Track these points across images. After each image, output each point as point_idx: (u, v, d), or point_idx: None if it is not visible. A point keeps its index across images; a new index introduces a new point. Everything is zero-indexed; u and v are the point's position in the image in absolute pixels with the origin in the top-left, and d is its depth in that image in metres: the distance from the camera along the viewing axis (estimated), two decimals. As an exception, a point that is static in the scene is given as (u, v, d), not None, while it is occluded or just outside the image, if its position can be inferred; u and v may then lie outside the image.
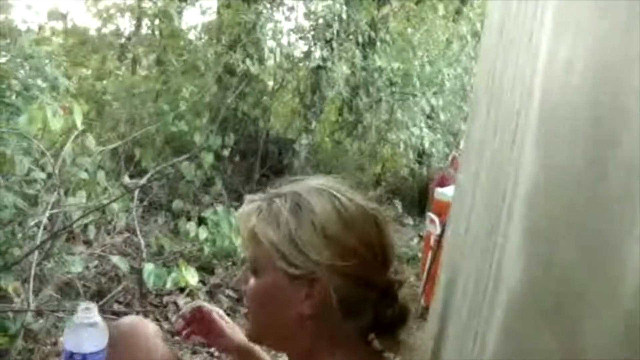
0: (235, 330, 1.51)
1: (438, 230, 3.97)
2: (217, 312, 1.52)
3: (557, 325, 0.53)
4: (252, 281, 1.14)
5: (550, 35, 0.70)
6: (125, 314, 3.02)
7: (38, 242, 2.99)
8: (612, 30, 0.52)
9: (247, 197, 1.19)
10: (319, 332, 1.09)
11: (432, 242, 4.17)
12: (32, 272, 2.88)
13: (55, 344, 2.88)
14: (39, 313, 2.82)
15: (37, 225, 3.10)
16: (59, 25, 6.10)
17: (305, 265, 1.05)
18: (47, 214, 3.10)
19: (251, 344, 1.47)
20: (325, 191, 1.11)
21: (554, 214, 0.58)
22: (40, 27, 5.20)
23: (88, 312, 1.21)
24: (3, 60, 3.20)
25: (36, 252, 2.92)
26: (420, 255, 5.16)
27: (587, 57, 0.56)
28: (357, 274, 1.06)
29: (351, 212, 1.09)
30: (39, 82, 3.06)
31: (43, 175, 3.25)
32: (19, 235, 2.99)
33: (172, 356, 1.46)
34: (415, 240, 6.07)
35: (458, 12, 7.49)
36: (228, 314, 4.03)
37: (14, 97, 2.94)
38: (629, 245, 0.43)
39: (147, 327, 1.51)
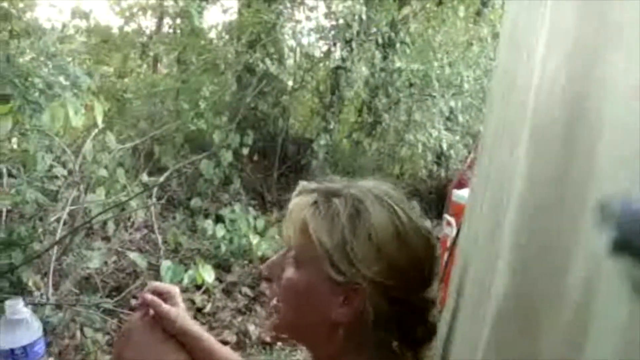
0: (185, 314, 1.50)
1: (454, 233, 3.96)
2: (172, 292, 1.52)
3: (525, 331, 0.56)
4: (290, 271, 1.11)
5: (544, 46, 0.71)
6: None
7: (58, 237, 3.04)
8: (591, 42, 0.54)
9: (303, 184, 1.15)
10: (348, 340, 1.08)
11: (448, 244, 4.16)
12: (52, 267, 2.93)
13: (73, 337, 2.93)
14: (58, 307, 2.87)
15: (58, 220, 3.15)
16: (82, 23, 6.16)
17: (352, 275, 1.03)
18: (67, 209, 3.15)
19: (199, 329, 1.45)
20: (385, 202, 1.08)
21: (534, 222, 0.60)
22: (64, 26, 5.27)
23: (14, 308, 1.24)
24: (27, 58, 3.26)
25: (56, 247, 2.98)
26: (436, 257, 5.14)
27: (569, 69, 0.58)
28: (399, 294, 1.05)
29: (408, 231, 1.06)
30: (62, 80, 3.10)
31: (64, 172, 3.31)
32: (40, 230, 3.05)
33: (183, 353, 1.47)
34: (433, 242, 6.05)
35: (479, 13, 7.45)
36: (243, 312, 4.04)
37: (37, 94, 2.98)
38: (575, 250, 0.46)
39: (160, 322, 1.52)
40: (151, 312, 1.45)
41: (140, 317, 1.49)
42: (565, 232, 0.51)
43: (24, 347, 1.22)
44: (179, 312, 1.47)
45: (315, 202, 1.09)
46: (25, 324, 1.23)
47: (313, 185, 1.14)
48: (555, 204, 0.56)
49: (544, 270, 0.55)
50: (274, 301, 1.19)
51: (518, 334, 0.60)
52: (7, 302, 1.24)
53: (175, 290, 1.52)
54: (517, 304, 0.63)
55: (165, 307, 1.45)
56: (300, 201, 1.11)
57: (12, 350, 1.21)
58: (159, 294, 1.48)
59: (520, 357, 0.58)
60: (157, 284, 1.53)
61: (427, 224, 1.13)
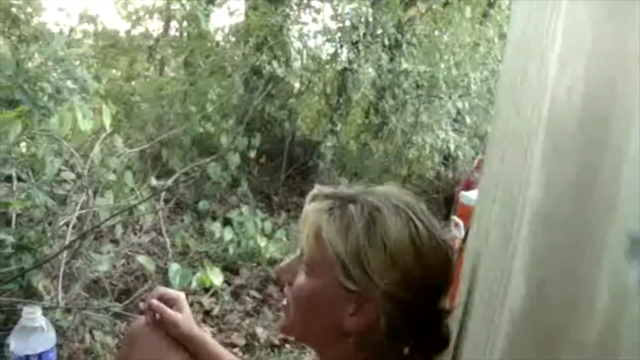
0: (190, 319, 1.50)
1: (462, 234, 3.95)
2: (178, 298, 1.49)
3: (545, 344, 0.55)
4: (302, 277, 1.10)
5: (559, 52, 0.71)
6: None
7: (67, 241, 3.06)
8: (611, 49, 0.53)
9: (318, 188, 1.13)
10: (358, 349, 1.07)
11: (456, 246, 4.15)
12: (62, 270, 2.94)
13: (82, 341, 2.94)
14: (67, 310, 2.88)
15: (67, 224, 3.16)
16: (89, 27, 6.19)
17: (365, 284, 1.02)
18: (76, 213, 3.16)
19: (203, 335, 1.46)
20: (403, 211, 1.05)
21: (552, 239, 0.59)
22: (72, 30, 5.30)
23: (31, 315, 1.25)
24: (36, 63, 3.27)
25: (65, 251, 2.98)
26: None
27: (588, 77, 0.58)
28: (412, 305, 1.03)
29: (425, 243, 1.04)
30: (70, 84, 3.11)
31: (72, 176, 3.32)
32: (49, 234, 3.06)
33: (185, 353, 1.48)
34: (440, 243, 6.04)
35: (485, 14, 7.44)
36: (251, 315, 4.04)
37: (45, 99, 3.00)
38: (598, 277, 0.46)
39: (165, 327, 1.52)
40: (157, 317, 1.46)
41: (146, 322, 1.50)
42: (589, 245, 0.50)
43: (39, 355, 1.23)
44: (184, 318, 1.48)
45: (331, 209, 1.07)
46: (41, 332, 1.25)
47: (328, 190, 1.13)
48: (576, 215, 0.55)
49: (565, 285, 0.54)
50: (284, 301, 1.19)
51: (535, 348, 0.59)
52: (25, 309, 1.25)
53: (181, 296, 1.52)
54: (534, 318, 0.62)
55: (171, 312, 1.46)
56: (315, 207, 1.10)
57: (27, 357, 1.22)
58: (165, 300, 1.49)
59: None
60: (163, 289, 1.53)
61: (446, 235, 1.10)
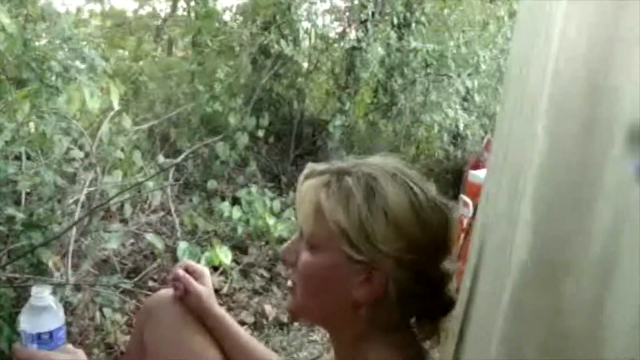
0: (212, 296, 1.51)
1: (471, 213, 3.94)
2: (204, 272, 1.52)
3: (549, 286, 0.56)
4: (306, 255, 1.11)
5: (563, 16, 0.70)
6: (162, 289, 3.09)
7: (76, 218, 3.07)
8: (608, 19, 0.53)
9: (311, 165, 1.14)
10: (371, 320, 1.08)
11: (464, 224, 4.15)
12: (71, 248, 2.96)
13: (92, 318, 2.97)
14: (77, 287, 2.91)
15: (75, 202, 3.18)
16: (96, 7, 6.18)
17: (371, 253, 1.03)
18: (85, 191, 3.18)
19: (223, 313, 1.48)
20: (399, 178, 1.07)
21: (557, 192, 0.60)
22: (79, 10, 5.28)
23: (41, 294, 1.27)
24: (43, 42, 3.27)
25: (74, 229, 3.00)
26: (453, 237, 5.14)
27: (588, 44, 0.58)
28: (419, 268, 1.05)
29: (424, 206, 1.06)
30: (78, 63, 3.11)
31: (81, 154, 3.34)
32: (58, 212, 3.08)
33: (203, 328, 1.49)
34: (449, 222, 6.04)
35: (495, -9, 7.36)
36: (260, 293, 4.07)
37: (53, 78, 3.00)
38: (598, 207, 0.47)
39: (187, 299, 1.53)
40: (179, 290, 1.47)
41: (169, 293, 1.52)
42: (590, 186, 0.51)
43: (50, 332, 1.26)
44: (208, 293, 1.49)
45: (328, 183, 1.08)
46: (50, 310, 1.27)
47: (322, 166, 1.13)
48: (577, 164, 0.56)
49: (568, 225, 0.56)
50: (289, 283, 1.19)
51: (540, 292, 0.60)
52: (34, 288, 1.27)
53: (206, 271, 1.54)
54: (538, 265, 0.63)
55: (196, 285, 1.47)
56: (311, 183, 1.11)
57: (39, 335, 1.25)
58: (191, 271, 1.50)
59: (542, 312, 0.59)
60: (190, 262, 1.55)
61: (445, 199, 1.12)
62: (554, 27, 0.75)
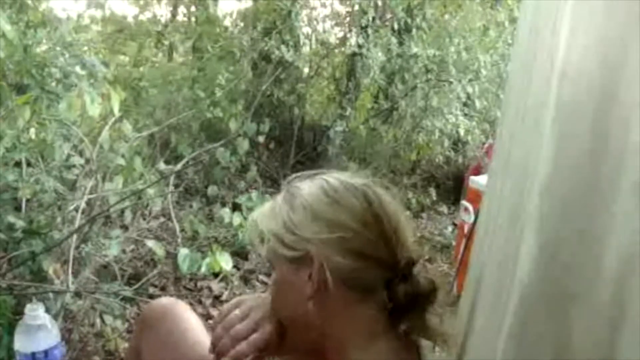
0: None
1: (471, 219, 3.94)
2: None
3: (555, 313, 0.55)
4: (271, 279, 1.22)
5: (569, 25, 0.69)
6: (160, 297, 3.08)
7: (77, 225, 3.06)
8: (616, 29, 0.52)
9: (258, 198, 1.30)
10: (321, 311, 1.09)
11: (465, 230, 4.14)
12: (71, 255, 2.95)
13: (92, 325, 2.96)
14: (77, 294, 2.89)
15: (76, 209, 3.17)
16: (97, 13, 6.17)
17: (299, 244, 1.09)
18: (85, 198, 3.17)
19: None
20: (316, 176, 1.17)
21: (563, 206, 0.59)
22: (79, 15, 5.27)
23: (35, 313, 1.26)
24: (43, 48, 3.27)
25: (75, 236, 2.99)
26: (454, 243, 5.13)
27: (598, 51, 0.57)
28: (352, 247, 1.08)
29: (338, 189, 1.13)
30: (78, 69, 3.11)
31: (81, 161, 3.33)
32: (59, 219, 3.07)
33: (207, 335, 1.48)
34: (450, 228, 6.04)
35: (496, -3, 7.37)
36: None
37: (54, 84, 3.00)
38: (608, 238, 0.45)
39: (181, 307, 1.53)
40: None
41: (166, 301, 1.53)
42: (599, 215, 0.50)
43: (45, 352, 1.25)
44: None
45: (262, 210, 1.19)
46: (45, 329, 1.26)
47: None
48: (587, 186, 0.54)
49: (577, 253, 0.54)
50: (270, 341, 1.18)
51: (545, 316, 0.59)
52: (28, 307, 1.27)
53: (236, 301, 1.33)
54: (544, 287, 0.62)
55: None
56: (251, 216, 1.22)
57: (33, 354, 1.24)
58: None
59: (547, 339, 0.58)
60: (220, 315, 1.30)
61: (366, 181, 1.18)
62: (560, 33, 0.74)
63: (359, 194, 1.13)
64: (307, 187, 1.15)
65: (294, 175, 1.22)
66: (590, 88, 0.58)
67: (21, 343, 1.25)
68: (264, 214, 1.16)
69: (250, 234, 1.26)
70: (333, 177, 1.16)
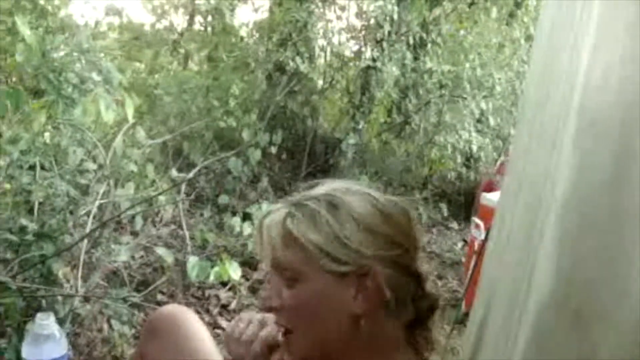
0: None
1: (482, 236, 3.91)
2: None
3: (576, 331, 0.54)
4: (289, 293, 1.08)
5: (592, 43, 0.69)
6: (168, 304, 3.07)
7: (88, 230, 3.08)
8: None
9: (268, 207, 1.21)
10: (371, 331, 1.06)
11: (476, 247, 4.12)
12: (81, 259, 2.96)
13: (100, 330, 2.96)
14: (86, 299, 2.90)
15: (87, 214, 3.19)
16: (115, 20, 6.24)
17: (355, 260, 1.03)
18: (97, 203, 3.18)
19: None
20: (354, 189, 1.13)
21: (584, 223, 0.58)
22: (97, 22, 5.33)
23: (45, 322, 1.26)
24: (61, 54, 3.30)
25: (85, 240, 3.01)
26: (464, 260, 5.10)
27: (624, 67, 0.56)
28: (403, 263, 1.08)
29: (387, 206, 1.10)
30: (94, 75, 3.13)
31: (94, 166, 3.34)
32: (70, 223, 3.08)
33: (213, 343, 1.47)
34: (460, 244, 6.00)
35: (512, 15, 7.35)
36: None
37: (70, 89, 3.02)
38: (633, 257, 0.44)
39: (188, 315, 1.52)
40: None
41: (173, 308, 1.52)
42: (623, 233, 0.49)
43: None
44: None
45: (289, 213, 1.09)
46: (53, 339, 1.26)
47: (278, 204, 1.15)
48: (609, 204, 0.53)
49: (599, 272, 0.53)
50: (279, 335, 1.14)
51: (565, 335, 0.58)
52: (38, 316, 1.27)
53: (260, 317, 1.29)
54: (563, 306, 0.61)
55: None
56: (272, 219, 1.11)
57: None
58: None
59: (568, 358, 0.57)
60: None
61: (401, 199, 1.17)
62: (581, 51, 0.74)
63: (404, 212, 1.13)
64: (353, 199, 1.09)
65: (305, 184, 1.19)
66: (612, 105, 0.57)
67: (29, 353, 1.25)
68: (302, 222, 1.06)
69: (268, 239, 1.10)
70: (372, 190, 1.14)
